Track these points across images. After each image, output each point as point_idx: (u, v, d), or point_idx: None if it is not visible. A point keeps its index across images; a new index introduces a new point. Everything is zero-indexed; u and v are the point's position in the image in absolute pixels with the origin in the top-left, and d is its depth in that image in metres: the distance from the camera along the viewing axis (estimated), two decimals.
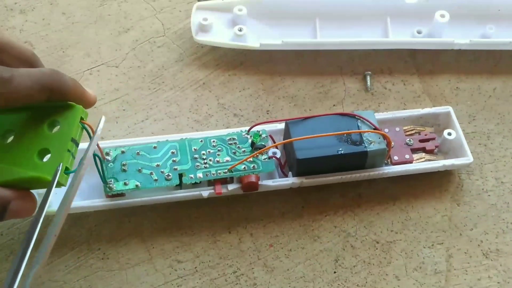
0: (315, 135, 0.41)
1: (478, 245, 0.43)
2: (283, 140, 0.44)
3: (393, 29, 0.52)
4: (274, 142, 0.44)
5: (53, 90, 0.34)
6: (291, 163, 0.43)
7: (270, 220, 0.44)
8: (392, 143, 0.43)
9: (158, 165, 0.42)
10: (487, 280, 0.42)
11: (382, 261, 0.42)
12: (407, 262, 0.42)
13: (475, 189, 0.46)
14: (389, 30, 0.52)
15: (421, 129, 0.46)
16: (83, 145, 0.36)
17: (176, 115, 0.49)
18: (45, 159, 0.34)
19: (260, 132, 0.44)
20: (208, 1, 0.53)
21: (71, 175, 0.34)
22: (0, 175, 0.33)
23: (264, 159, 0.42)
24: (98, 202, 0.41)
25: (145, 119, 0.49)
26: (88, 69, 0.51)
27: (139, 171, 0.41)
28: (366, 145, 0.42)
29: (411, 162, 0.45)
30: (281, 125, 0.45)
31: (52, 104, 0.35)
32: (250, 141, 0.43)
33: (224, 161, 0.42)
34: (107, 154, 0.42)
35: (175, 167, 0.42)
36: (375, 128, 0.43)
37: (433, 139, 0.46)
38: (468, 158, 0.44)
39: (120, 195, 0.41)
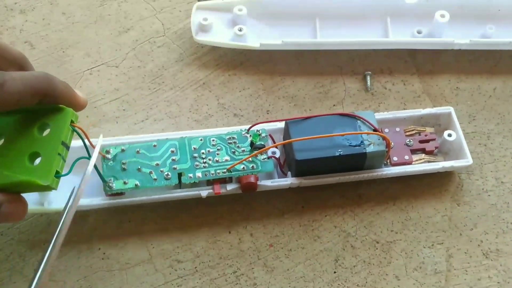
0: (314, 136, 0.41)
1: (478, 245, 0.43)
2: (283, 139, 0.44)
3: (393, 29, 0.52)
4: (274, 141, 0.44)
5: (45, 94, 0.34)
6: (290, 163, 0.43)
7: (270, 220, 0.44)
8: (392, 144, 0.43)
9: (157, 164, 0.42)
10: (487, 280, 0.42)
11: (382, 261, 0.42)
12: (407, 262, 0.42)
13: (475, 189, 0.46)
14: (389, 30, 0.52)
15: (421, 129, 0.46)
16: (75, 143, 0.36)
17: (176, 115, 0.49)
18: (35, 163, 0.34)
19: (260, 131, 0.44)
20: (208, 1, 0.53)
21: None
22: None
23: (263, 159, 0.42)
24: (97, 200, 0.41)
25: (145, 119, 0.49)
26: (88, 69, 0.51)
27: (139, 170, 0.41)
28: (365, 146, 0.42)
29: (410, 163, 0.45)
30: (281, 124, 0.45)
31: (42, 107, 0.35)
32: (249, 140, 0.43)
33: (223, 160, 0.42)
34: (107, 152, 0.42)
35: (174, 166, 0.42)
36: (375, 130, 0.43)
37: (433, 139, 0.46)
38: (467, 160, 0.44)
39: (120, 194, 0.41)
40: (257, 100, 0.50)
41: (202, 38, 0.51)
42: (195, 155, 0.42)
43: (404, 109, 0.49)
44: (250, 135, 0.44)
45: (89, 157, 0.37)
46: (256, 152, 0.42)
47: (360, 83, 0.51)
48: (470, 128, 0.49)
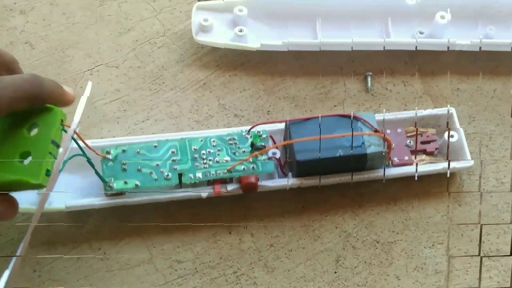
0: (314, 137, 0.41)
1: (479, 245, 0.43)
2: (283, 140, 0.44)
3: (394, 30, 0.52)
4: (275, 142, 0.44)
5: (36, 97, 0.34)
6: (291, 164, 0.43)
7: (270, 220, 0.44)
8: (393, 145, 0.43)
9: (158, 165, 0.42)
10: (487, 280, 0.42)
11: (383, 261, 0.42)
12: (408, 262, 0.42)
13: (476, 190, 0.46)
14: (390, 30, 0.52)
15: (423, 130, 0.46)
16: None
17: (177, 115, 0.49)
18: (26, 162, 0.34)
19: (260, 133, 0.44)
20: (208, 1, 0.53)
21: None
22: None
23: (264, 159, 0.42)
24: (97, 200, 0.41)
25: (145, 120, 0.49)
26: (88, 70, 0.51)
27: (139, 170, 0.41)
28: (366, 147, 0.42)
29: (411, 163, 0.45)
30: (282, 125, 0.45)
31: (31, 107, 0.35)
32: (250, 141, 0.43)
33: (224, 161, 0.42)
34: (108, 152, 0.42)
35: (175, 166, 0.42)
36: (375, 131, 0.42)
37: (434, 140, 0.46)
38: (468, 161, 0.44)
39: (120, 194, 0.41)
40: (257, 100, 0.50)
41: (202, 38, 0.51)
42: (196, 156, 0.42)
43: (405, 110, 0.49)
44: (251, 136, 0.44)
45: (84, 155, 0.37)
46: (256, 153, 0.42)
47: (361, 84, 0.51)
48: (471, 129, 0.49)
